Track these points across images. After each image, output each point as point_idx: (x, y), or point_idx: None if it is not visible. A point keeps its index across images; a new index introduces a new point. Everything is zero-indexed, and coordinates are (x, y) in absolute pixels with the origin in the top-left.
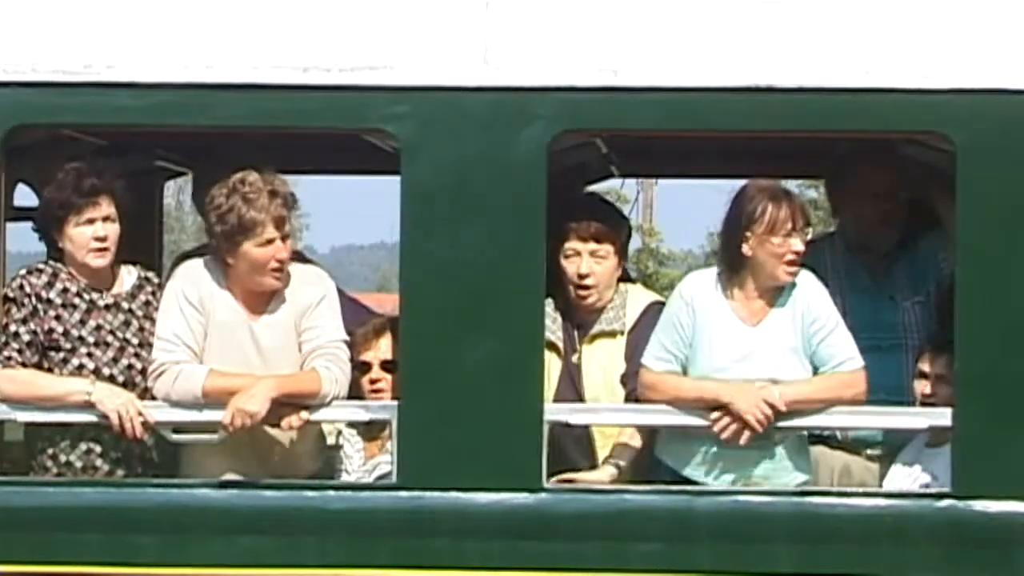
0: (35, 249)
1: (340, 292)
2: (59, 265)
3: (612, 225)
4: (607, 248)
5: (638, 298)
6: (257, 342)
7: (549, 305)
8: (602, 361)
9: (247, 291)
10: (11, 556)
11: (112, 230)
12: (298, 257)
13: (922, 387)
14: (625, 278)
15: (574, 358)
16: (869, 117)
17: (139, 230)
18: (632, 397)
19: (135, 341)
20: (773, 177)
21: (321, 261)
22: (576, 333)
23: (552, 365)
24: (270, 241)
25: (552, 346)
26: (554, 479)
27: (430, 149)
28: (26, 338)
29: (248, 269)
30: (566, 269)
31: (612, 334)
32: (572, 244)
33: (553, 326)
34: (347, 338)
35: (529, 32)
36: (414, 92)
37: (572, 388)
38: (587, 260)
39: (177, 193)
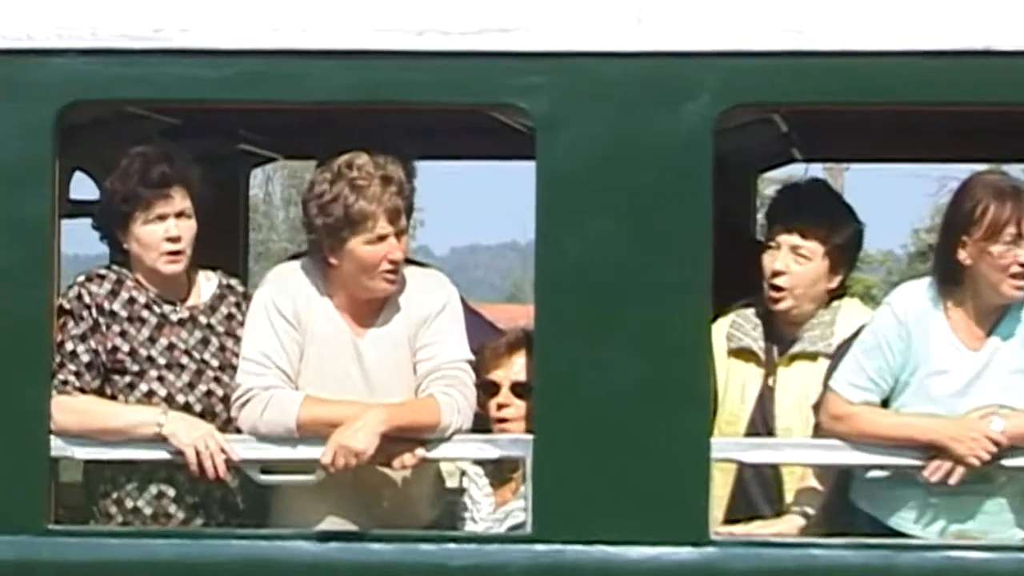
0: (95, 251)
1: (462, 302)
2: (124, 271)
3: (824, 220)
4: (812, 246)
5: (852, 315)
6: (363, 362)
7: (750, 312)
8: (799, 386)
9: (353, 299)
10: None
11: (187, 228)
12: (413, 260)
13: None
14: (843, 293)
15: (769, 380)
16: None
17: (220, 228)
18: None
19: (215, 362)
20: (991, 161)
21: (440, 264)
22: (775, 350)
23: (748, 385)
24: (382, 237)
25: (751, 361)
26: (728, 529)
27: (571, 128)
28: (85, 358)
29: (355, 271)
30: (763, 265)
31: (814, 356)
32: (773, 235)
33: (753, 335)
34: (472, 357)
35: None
36: (552, 59)
37: (762, 416)
38: (784, 255)
39: (265, 183)
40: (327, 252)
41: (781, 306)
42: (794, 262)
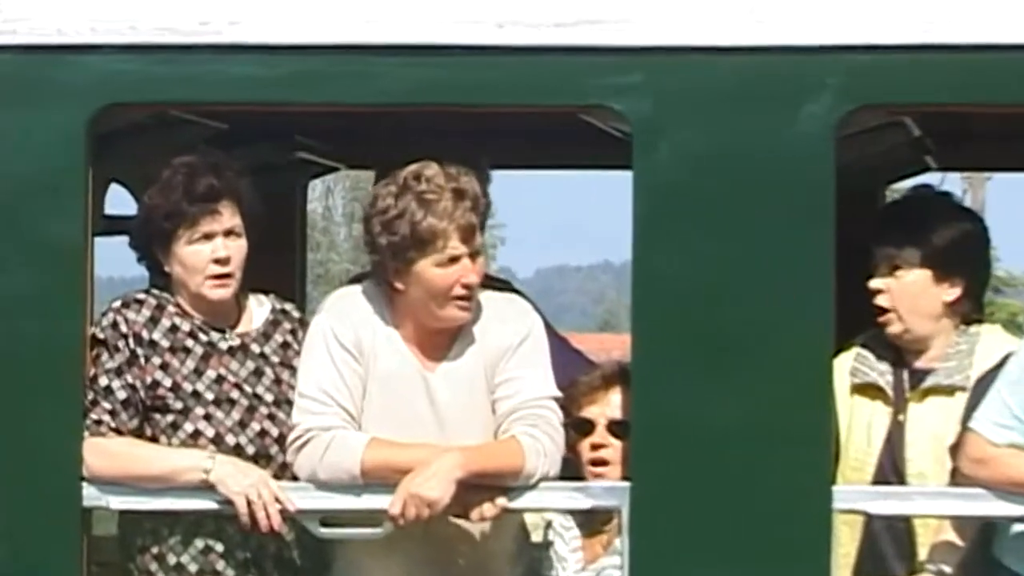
0: (133, 273)
1: (549, 330)
2: (165, 295)
3: (915, 224)
4: (908, 256)
5: (993, 344)
6: (434, 400)
7: (876, 342)
8: (933, 426)
9: (422, 329)
10: None
11: (236, 248)
12: (492, 283)
13: None
14: (981, 319)
15: (899, 418)
16: None
17: (273, 247)
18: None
19: (269, 397)
20: None
21: (523, 288)
22: (905, 384)
23: (875, 426)
24: (455, 259)
25: (877, 399)
26: None
27: (673, 134)
28: (121, 395)
29: (424, 297)
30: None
31: (950, 390)
32: (873, 253)
33: (879, 369)
34: (559, 394)
35: None
36: (651, 55)
37: (892, 460)
38: (882, 272)
39: (325, 195)
40: (392, 275)
41: (891, 329)
42: (892, 277)
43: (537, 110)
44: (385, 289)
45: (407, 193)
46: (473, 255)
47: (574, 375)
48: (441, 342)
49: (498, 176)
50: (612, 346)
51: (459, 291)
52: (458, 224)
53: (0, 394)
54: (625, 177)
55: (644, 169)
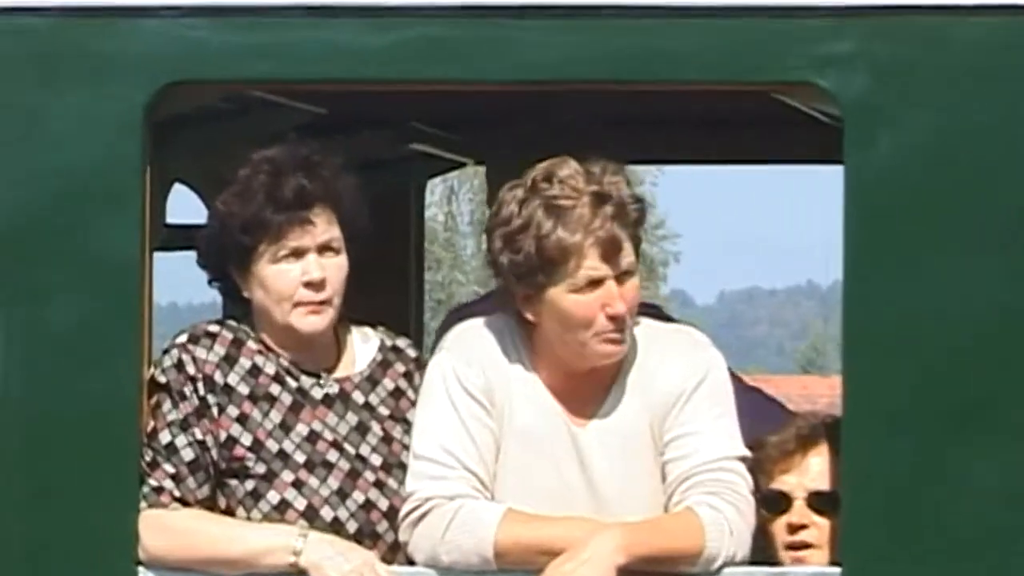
0: (202, 299)
1: (733, 376)
2: (244, 328)
3: None
4: None
5: None
6: (586, 462)
7: None
8: None
9: (567, 372)
10: None
11: (334, 267)
12: (653, 311)
13: None
14: None
15: None
16: None
17: (382, 266)
18: None
19: (376, 460)
20: None
21: (700, 318)
22: None
23: None
24: (595, 283)
25: None
26: None
27: (896, 118)
28: (188, 454)
29: (560, 332)
30: None
31: None
32: None
33: None
34: (747, 453)
35: None
36: (868, 17)
37: None
38: None
39: (447, 199)
40: (521, 303)
41: None
42: None
43: (721, 89)
44: (517, 321)
45: (534, 198)
46: (620, 277)
47: (765, 431)
48: (593, 389)
49: (671, 173)
50: (818, 391)
51: (603, 324)
52: (597, 237)
53: (36, 454)
54: (835, 173)
55: (858, 163)
